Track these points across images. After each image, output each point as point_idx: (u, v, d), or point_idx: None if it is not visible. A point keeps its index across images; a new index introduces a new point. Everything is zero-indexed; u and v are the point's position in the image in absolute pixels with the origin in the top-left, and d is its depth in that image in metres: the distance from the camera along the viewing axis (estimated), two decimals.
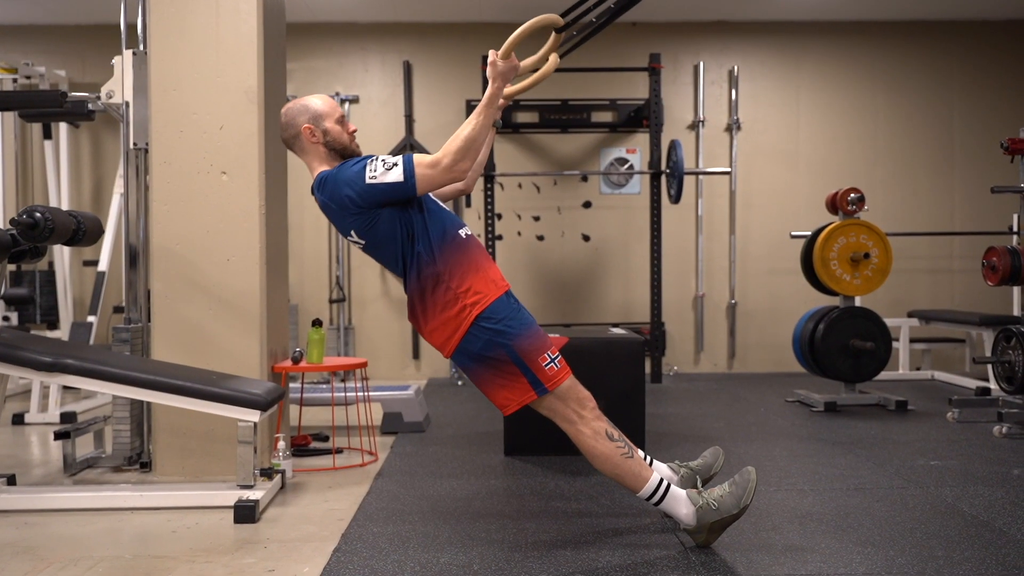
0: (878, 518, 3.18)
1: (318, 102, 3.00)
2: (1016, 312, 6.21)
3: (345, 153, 2.97)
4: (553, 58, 3.01)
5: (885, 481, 3.73)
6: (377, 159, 2.82)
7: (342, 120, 3.00)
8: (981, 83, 7.71)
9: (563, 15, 2.96)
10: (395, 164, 2.78)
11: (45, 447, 4.68)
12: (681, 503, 2.85)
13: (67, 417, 5.19)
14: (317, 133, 2.95)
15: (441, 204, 3.02)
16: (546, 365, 2.85)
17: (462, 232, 2.94)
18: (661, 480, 2.86)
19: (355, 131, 3.03)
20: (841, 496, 3.50)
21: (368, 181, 2.78)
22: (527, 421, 4.27)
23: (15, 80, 6.70)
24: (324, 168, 2.94)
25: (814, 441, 4.61)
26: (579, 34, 3.10)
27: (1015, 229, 5.77)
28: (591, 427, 2.86)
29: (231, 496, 3.32)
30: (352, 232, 2.89)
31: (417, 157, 2.81)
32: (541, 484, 3.74)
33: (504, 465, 4.13)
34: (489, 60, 2.84)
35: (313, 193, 2.95)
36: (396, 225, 2.85)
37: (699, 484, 3.07)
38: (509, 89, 2.99)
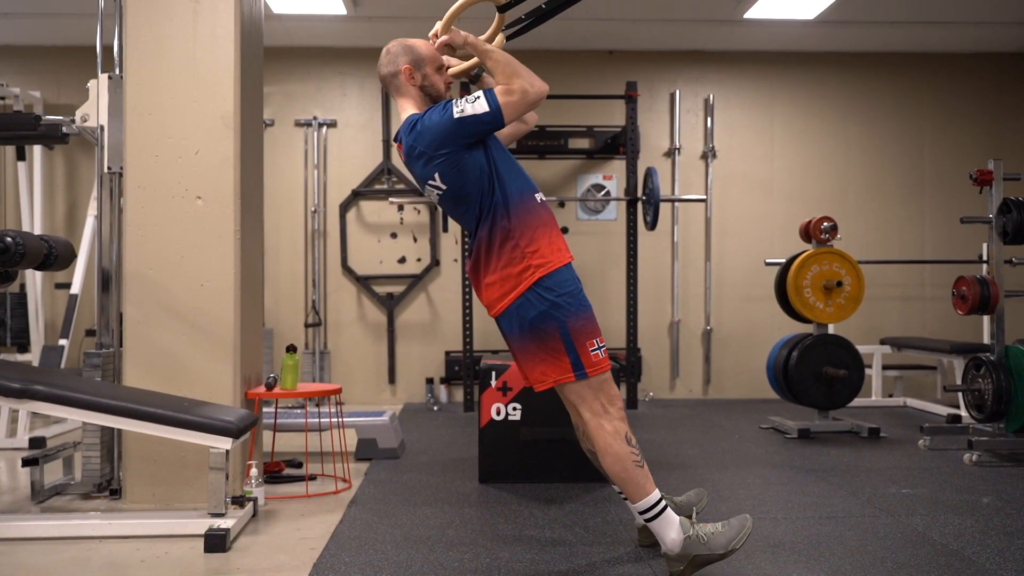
0: (849, 547, 3.20)
1: (422, 46, 3.03)
2: (986, 340, 6.28)
3: (438, 100, 2.99)
4: (500, 38, 3.07)
5: (857, 509, 3.75)
6: (460, 98, 2.86)
7: (441, 68, 3.03)
8: (951, 114, 7.83)
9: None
10: (479, 97, 2.82)
11: (13, 473, 4.62)
12: (672, 527, 2.85)
13: (36, 442, 5.09)
14: (416, 76, 2.98)
15: (521, 167, 3.03)
16: (592, 351, 2.85)
17: (538, 196, 2.98)
18: (661, 499, 2.87)
19: (451, 82, 3.07)
20: (813, 524, 3.51)
21: (456, 116, 2.81)
22: (503, 448, 4.28)
23: None
24: (415, 111, 2.97)
25: (787, 468, 4.63)
26: (527, 19, 3.14)
27: (984, 258, 5.84)
28: (614, 424, 2.87)
29: (202, 524, 3.28)
30: (436, 176, 2.89)
31: (497, 88, 2.84)
32: (515, 512, 3.73)
33: (479, 492, 4.11)
34: (438, 40, 2.95)
35: (397, 139, 2.98)
36: (478, 171, 2.88)
37: (693, 514, 3.08)
38: (456, 68, 3.07)
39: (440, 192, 2.92)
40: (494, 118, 2.82)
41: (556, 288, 2.85)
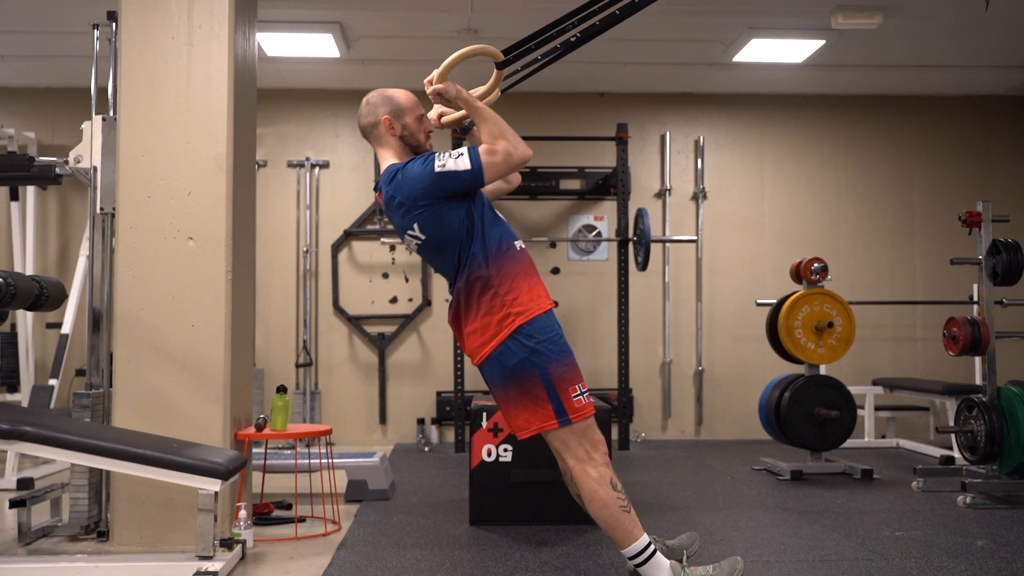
0: None
1: (402, 96, 3.07)
2: (978, 381, 6.28)
3: (418, 150, 3.04)
4: (495, 95, 3.11)
5: (851, 552, 3.73)
6: (444, 152, 2.90)
7: (421, 118, 3.07)
8: (940, 156, 7.90)
9: (505, 52, 3.06)
10: (462, 154, 2.86)
11: (0, 515, 4.57)
12: (663, 571, 2.83)
13: (24, 483, 5.06)
14: (396, 126, 3.02)
15: (500, 215, 3.05)
16: (575, 396, 2.85)
17: (517, 244, 3.00)
18: (650, 544, 2.85)
19: (431, 131, 3.11)
20: (807, 568, 3.48)
21: (438, 170, 2.84)
22: (493, 489, 4.25)
23: None
24: (395, 161, 3.00)
25: (780, 511, 4.61)
26: (524, 69, 3.19)
27: (975, 299, 5.87)
28: (599, 471, 2.86)
29: (189, 568, 3.25)
30: (414, 226, 2.91)
31: (481, 147, 2.88)
32: (506, 555, 3.70)
33: (469, 535, 4.08)
34: (434, 90, 2.96)
35: (378, 188, 3.01)
36: (457, 223, 2.90)
37: (684, 558, 3.06)
38: (448, 118, 3.10)
39: (419, 242, 2.95)
40: (474, 176, 2.85)
41: (536, 335, 2.85)
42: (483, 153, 2.85)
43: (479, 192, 2.99)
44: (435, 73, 2.99)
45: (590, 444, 2.87)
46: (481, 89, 3.14)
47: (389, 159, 3.01)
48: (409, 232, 2.94)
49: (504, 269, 2.90)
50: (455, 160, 2.84)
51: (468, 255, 2.91)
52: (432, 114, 3.15)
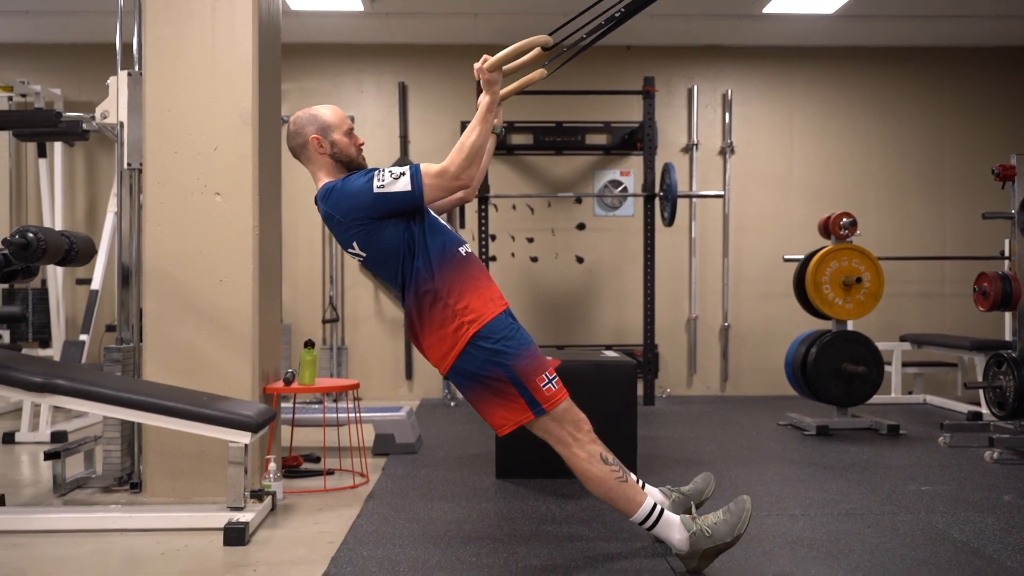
0: (869, 544, 3.18)
1: (327, 112, 3.02)
2: (1007, 337, 6.23)
3: (351, 165, 2.99)
4: (538, 72, 3.05)
5: (876, 506, 3.73)
6: (384, 170, 2.85)
7: (350, 132, 3.02)
8: (972, 109, 7.76)
9: (553, 34, 2.98)
10: (402, 174, 2.81)
11: (35, 467, 4.66)
12: (674, 528, 2.84)
13: (58, 436, 5.17)
14: (325, 144, 2.97)
15: (442, 222, 3.02)
16: (544, 386, 2.84)
17: (462, 250, 2.95)
18: (655, 505, 2.86)
19: (363, 144, 3.06)
20: (832, 522, 3.49)
21: (376, 191, 2.80)
22: (519, 443, 4.27)
23: (11, 98, 6.72)
24: (329, 179, 2.96)
25: (806, 465, 4.61)
26: (569, 48, 3.12)
27: (1006, 254, 5.80)
28: (586, 450, 2.86)
29: (221, 518, 3.30)
30: (354, 244, 2.89)
31: (424, 166, 2.83)
32: (532, 507, 3.73)
33: (496, 488, 4.12)
34: (477, 71, 2.85)
35: (317, 204, 2.97)
36: (398, 239, 2.86)
37: (693, 509, 3.07)
38: (507, 89, 3.04)
39: (361, 258, 2.93)
40: (413, 199, 2.81)
41: (492, 335, 2.83)
42: (428, 174, 2.80)
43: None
44: (490, 60, 2.87)
45: (572, 426, 2.87)
46: (523, 60, 3.06)
47: (323, 178, 2.97)
48: (350, 249, 2.92)
49: (450, 278, 2.86)
50: (395, 180, 2.79)
51: (412, 270, 2.87)
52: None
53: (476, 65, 2.85)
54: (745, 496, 2.88)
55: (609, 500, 2.87)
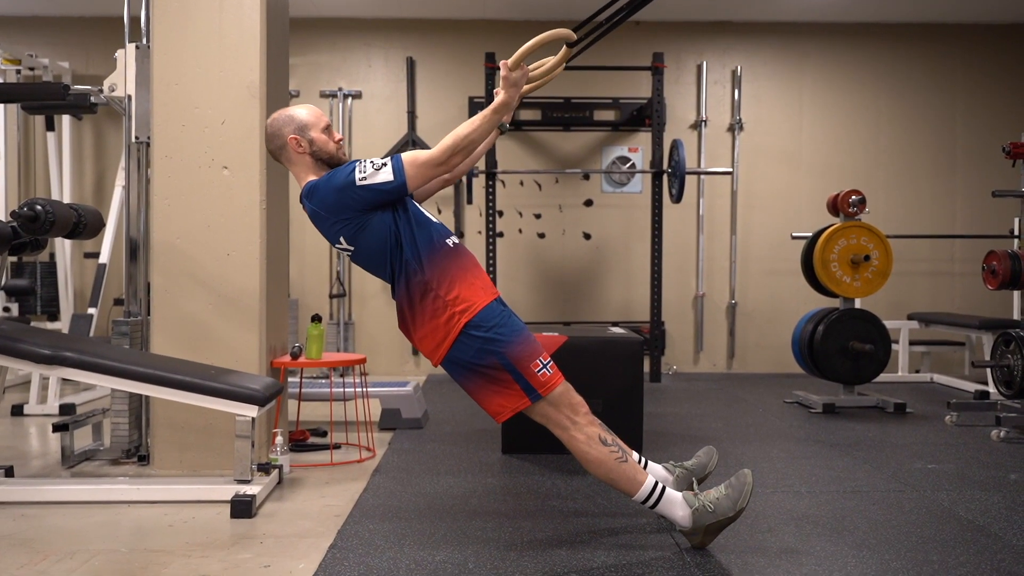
0: (874, 521, 3.19)
1: (303, 112, 3.01)
2: (1016, 316, 6.21)
3: (332, 162, 2.98)
4: (560, 68, 3.03)
5: (882, 484, 3.74)
6: (365, 161, 2.85)
7: (328, 129, 3.01)
8: (983, 87, 7.70)
9: (576, 29, 2.95)
10: (384, 164, 2.81)
11: (44, 439, 4.69)
12: (677, 506, 2.85)
13: (66, 409, 5.20)
14: (303, 143, 2.97)
15: (428, 214, 3.02)
16: (538, 371, 2.85)
17: (449, 241, 2.96)
18: (656, 483, 2.86)
19: (341, 140, 3.05)
20: (837, 499, 3.50)
21: (358, 183, 2.81)
22: (525, 420, 4.27)
23: (19, 71, 6.70)
24: (311, 177, 2.96)
25: (812, 443, 4.61)
26: (587, 36, 3.10)
27: (1016, 233, 5.77)
28: (584, 432, 2.86)
29: (228, 491, 3.32)
30: (341, 239, 2.90)
31: (407, 155, 2.83)
32: (538, 483, 3.75)
33: (501, 463, 4.13)
34: (501, 73, 2.83)
35: (302, 202, 2.97)
36: (384, 232, 2.87)
37: (695, 485, 3.08)
38: (536, 72, 3.02)
39: (349, 252, 2.93)
40: (397, 188, 2.81)
41: (484, 324, 2.83)
42: (414, 163, 2.79)
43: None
44: (511, 59, 2.84)
45: (569, 409, 2.87)
46: (550, 62, 3.05)
47: (305, 177, 2.96)
48: (337, 245, 2.92)
49: (440, 269, 2.86)
50: (377, 171, 2.79)
51: (401, 262, 2.87)
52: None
53: (502, 74, 2.83)
54: (746, 470, 2.89)
55: (610, 481, 2.87)
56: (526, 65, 2.87)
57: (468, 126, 2.81)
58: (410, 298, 2.89)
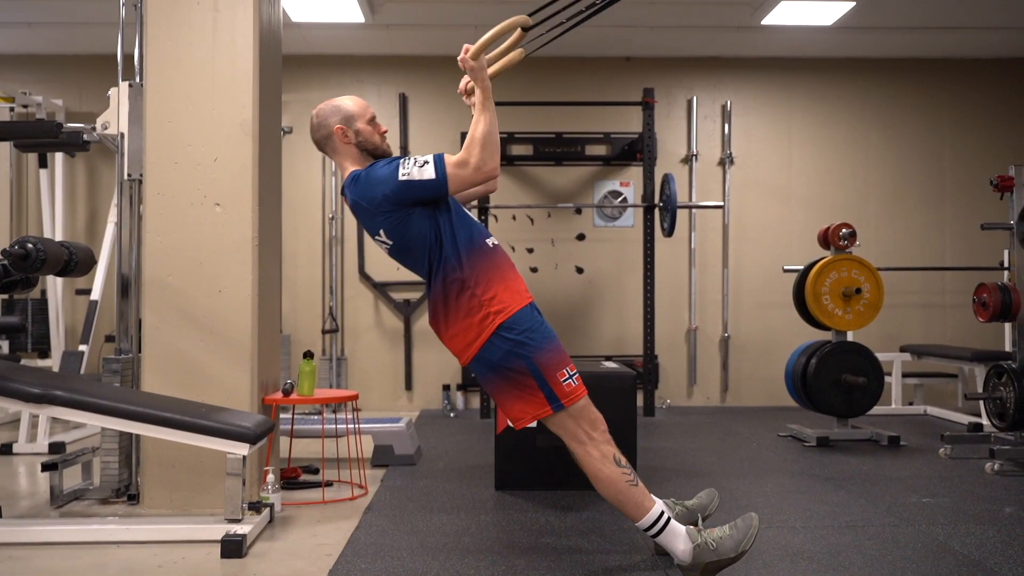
0: (869, 557, 3.17)
1: (349, 103, 3.05)
2: (1008, 348, 6.22)
3: (376, 153, 3.01)
4: (517, 52, 3.07)
5: (877, 519, 3.72)
6: (409, 158, 2.87)
7: (373, 120, 3.05)
8: (971, 120, 7.77)
9: (533, 15, 3.01)
10: (427, 162, 2.83)
11: (33, 478, 4.65)
12: (680, 539, 2.83)
13: (56, 447, 5.16)
14: (349, 134, 3.00)
15: (468, 213, 3.03)
16: (564, 381, 2.85)
17: (489, 241, 2.97)
18: (663, 512, 2.85)
19: (386, 132, 3.08)
20: (832, 534, 3.48)
21: (401, 178, 2.82)
22: (518, 455, 4.27)
23: (12, 109, 6.73)
24: (356, 168, 2.98)
25: (806, 477, 4.60)
26: (549, 32, 3.15)
27: (1006, 265, 5.79)
28: (600, 450, 2.86)
29: (218, 530, 3.29)
30: (381, 231, 2.90)
31: (447, 156, 2.85)
32: (531, 520, 3.72)
33: (495, 499, 4.11)
34: (461, 61, 2.89)
35: (343, 192, 2.99)
36: (425, 227, 2.87)
37: (699, 522, 3.06)
38: (493, 68, 3.06)
39: (387, 246, 2.94)
40: (438, 187, 2.83)
41: (516, 327, 2.84)
42: (451, 164, 2.82)
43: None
44: (472, 48, 2.90)
45: (588, 424, 2.87)
46: (504, 45, 3.09)
47: (349, 167, 3.00)
48: (377, 236, 2.93)
49: (479, 268, 2.87)
50: (420, 169, 2.81)
51: (440, 258, 2.88)
52: (461, 85, 3.09)
53: (460, 57, 2.88)
54: (753, 514, 2.88)
55: (617, 503, 2.86)
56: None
57: (477, 126, 2.84)
58: (445, 295, 2.89)
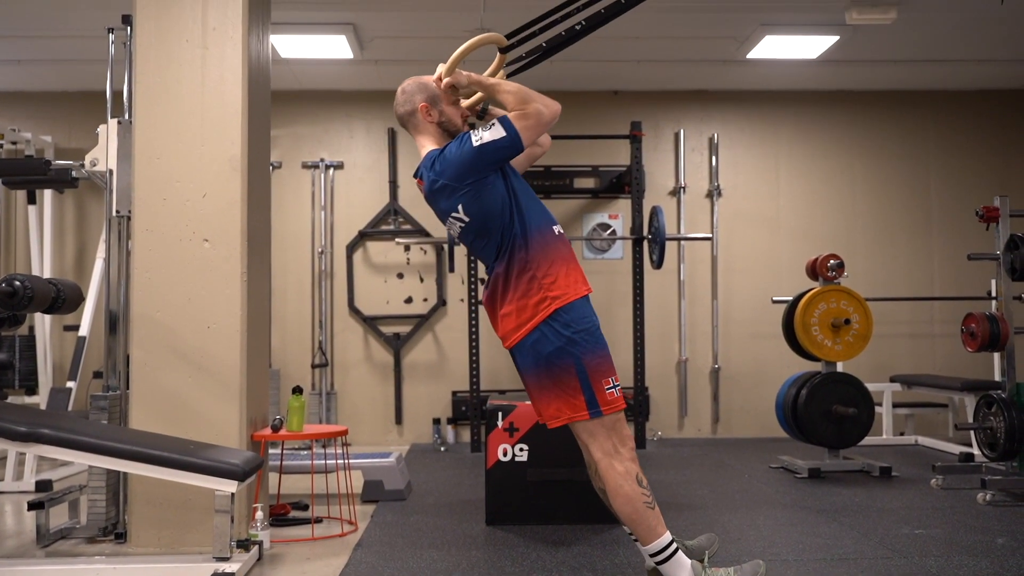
0: None
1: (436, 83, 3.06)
2: (997, 377, 6.24)
3: (455, 135, 3.01)
4: (500, 75, 3.11)
5: (869, 551, 3.71)
6: (476, 129, 2.90)
7: (456, 103, 3.06)
8: (956, 151, 7.84)
9: (509, 37, 3.05)
10: (494, 124, 2.86)
11: (19, 517, 4.60)
12: (684, 570, 2.82)
13: (43, 485, 5.08)
14: (434, 112, 3.02)
15: (538, 200, 3.05)
16: (607, 389, 2.85)
17: (555, 229, 2.99)
18: (673, 541, 2.84)
19: (468, 116, 3.10)
20: (825, 567, 3.46)
21: (476, 144, 2.84)
22: (509, 489, 4.25)
23: (1, 146, 6.73)
24: (433, 147, 3.00)
25: (798, 509, 4.58)
26: (527, 57, 3.18)
27: (993, 295, 5.82)
28: (625, 465, 2.85)
29: (206, 569, 3.26)
30: (459, 208, 2.90)
31: (510, 114, 2.87)
32: (523, 555, 3.70)
33: (485, 535, 4.08)
34: (435, 81, 2.98)
35: (418, 174, 3.00)
36: (500, 203, 2.90)
37: (706, 559, 3.04)
38: (466, 103, 3.10)
39: (463, 224, 2.94)
40: (513, 142, 2.84)
41: (573, 324, 2.85)
42: (515, 119, 2.85)
43: (514, 172, 3.00)
44: (442, 68, 2.99)
45: (618, 438, 2.87)
46: (485, 74, 3.13)
47: (428, 145, 3.02)
48: (453, 215, 2.93)
49: (543, 252, 2.90)
50: (490, 132, 2.84)
51: (510, 235, 2.90)
52: (465, 104, 3.13)
53: (432, 78, 2.95)
54: (760, 561, 2.87)
55: (631, 522, 2.84)
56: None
57: (511, 89, 2.87)
58: (508, 273, 2.90)
